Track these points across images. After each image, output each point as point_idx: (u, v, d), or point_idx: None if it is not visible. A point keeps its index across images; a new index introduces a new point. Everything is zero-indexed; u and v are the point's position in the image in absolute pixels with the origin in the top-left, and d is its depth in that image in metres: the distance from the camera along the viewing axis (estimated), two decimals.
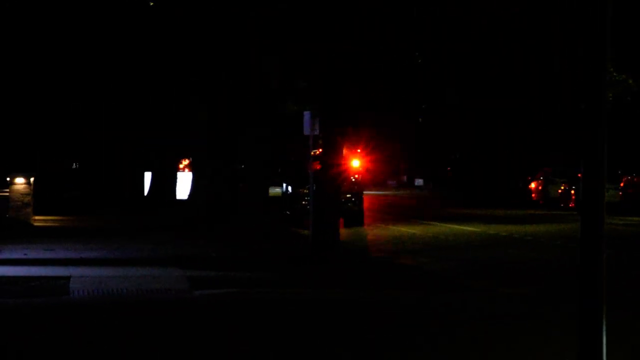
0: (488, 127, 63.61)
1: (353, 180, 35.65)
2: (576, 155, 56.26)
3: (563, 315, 13.62)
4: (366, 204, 37.15)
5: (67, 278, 17.77)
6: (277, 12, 25.97)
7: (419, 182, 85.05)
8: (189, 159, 56.22)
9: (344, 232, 25.51)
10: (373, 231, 31.52)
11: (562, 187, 48.75)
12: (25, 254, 21.55)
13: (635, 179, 48.29)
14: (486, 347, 11.78)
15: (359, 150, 48.32)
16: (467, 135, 68.13)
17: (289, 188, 36.02)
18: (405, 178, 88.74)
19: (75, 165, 60.23)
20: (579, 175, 32.57)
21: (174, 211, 37.46)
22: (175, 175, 44.73)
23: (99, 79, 41.58)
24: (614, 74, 28.47)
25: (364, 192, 37.15)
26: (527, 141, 62.80)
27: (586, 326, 6.87)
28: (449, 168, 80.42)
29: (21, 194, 30.47)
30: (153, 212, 37.80)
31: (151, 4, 32.19)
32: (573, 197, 46.79)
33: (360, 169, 46.22)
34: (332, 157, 23.25)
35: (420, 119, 57.82)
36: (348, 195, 34.46)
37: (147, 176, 46.58)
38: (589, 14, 6.83)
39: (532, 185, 53.78)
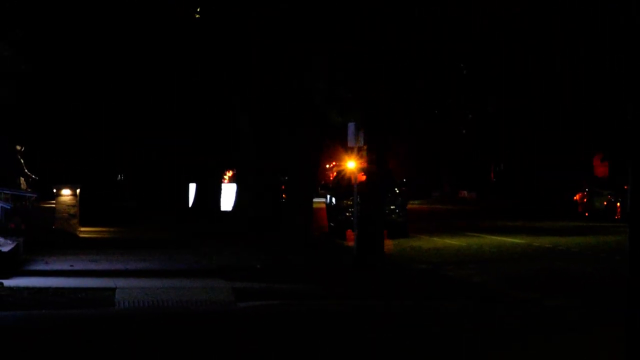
0: (533, 138, 63.24)
1: (397, 191, 35.56)
2: (622, 166, 55.80)
3: (609, 327, 13.50)
4: (410, 215, 37.05)
5: (113, 289, 17.88)
6: (323, 24, 26.06)
7: (463, 193, 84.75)
8: (232, 170, 56.41)
9: (387, 243, 25.47)
10: (417, 242, 31.42)
11: (608, 199, 48.37)
12: (71, 265, 21.71)
13: None
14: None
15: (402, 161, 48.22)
16: (511, 146, 67.79)
17: (333, 199, 36.01)
18: (448, 189, 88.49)
19: (120, 177, 60.65)
20: (625, 187, 32.32)
21: (218, 222, 37.58)
22: (220, 186, 44.85)
23: (146, 92, 41.86)
24: None
25: (408, 204, 37.06)
26: (573, 153, 62.40)
27: (633, 336, 6.82)
28: (493, 179, 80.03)
29: (67, 205, 30.69)
30: (197, 223, 37.94)
31: (197, 16, 32.41)
32: (619, 209, 46.38)
33: (404, 180, 46.13)
34: (376, 169, 23.24)
35: (464, 131, 57.64)
36: (392, 207, 34.38)
37: (192, 187, 46.77)
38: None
39: (577, 197, 53.38)
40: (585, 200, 51.59)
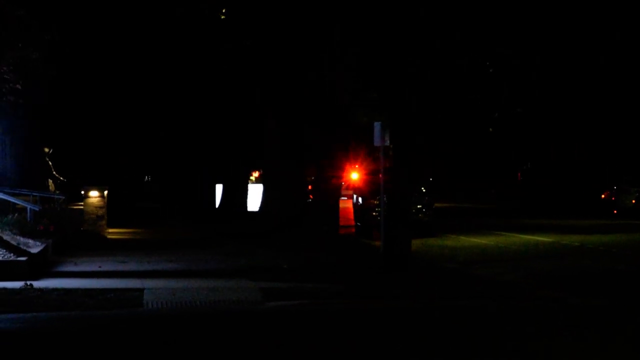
0: (560, 136, 63.00)
1: (424, 190, 35.53)
2: None
3: (636, 327, 13.46)
4: (436, 214, 37.00)
5: (141, 290, 17.97)
6: (352, 25, 26.10)
7: (490, 191, 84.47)
8: (259, 170, 56.52)
9: (414, 242, 25.41)
10: (444, 242, 31.39)
11: (636, 196, 48.16)
12: (99, 267, 21.82)
13: None
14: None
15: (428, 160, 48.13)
16: (538, 144, 67.56)
17: (359, 199, 36.03)
18: (475, 188, 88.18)
19: (148, 178, 60.89)
20: None
21: (245, 223, 37.67)
22: (246, 187, 44.96)
23: (173, 94, 42.03)
24: None
25: (435, 203, 37.03)
26: (601, 149, 62.13)
27: None
28: (520, 178, 79.75)
29: (95, 206, 30.82)
30: (224, 223, 38.03)
31: (222, 17, 32.48)
32: None
33: (430, 179, 46.09)
34: (402, 168, 23.22)
35: (490, 129, 57.47)
36: (419, 206, 34.38)
37: (219, 188, 46.89)
38: None
39: (605, 194, 53.15)
40: (613, 198, 51.37)
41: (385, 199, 23.64)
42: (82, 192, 31.12)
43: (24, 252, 20.69)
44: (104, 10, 34.74)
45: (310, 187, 36.58)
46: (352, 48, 29.50)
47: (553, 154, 67.16)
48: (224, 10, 33.20)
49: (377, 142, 23.78)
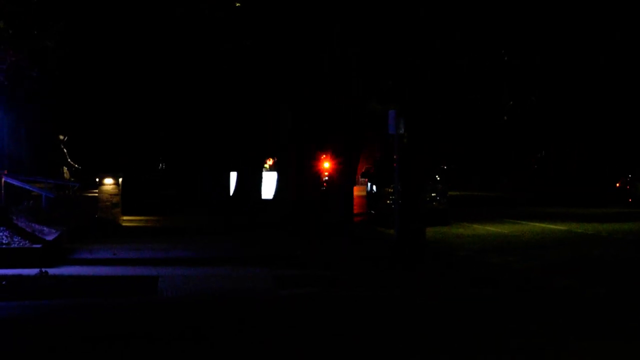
0: (575, 124, 62.84)
1: (438, 178, 35.52)
2: None
3: None
4: (450, 202, 36.98)
5: (156, 278, 18.04)
6: (362, 15, 26.09)
7: (503, 180, 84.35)
8: (273, 158, 56.54)
9: (428, 230, 25.43)
10: (458, 230, 31.38)
11: None
12: (114, 254, 21.90)
13: None
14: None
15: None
16: (552, 132, 67.42)
17: (374, 187, 36.02)
18: (489, 176, 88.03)
19: (162, 165, 61.00)
20: None
21: (259, 211, 37.71)
22: (261, 174, 44.95)
23: (186, 81, 42.06)
24: None
25: (449, 191, 37.00)
26: (615, 138, 61.98)
27: None
28: (534, 166, 79.62)
29: (110, 194, 30.93)
30: (238, 211, 38.09)
31: (237, 4, 32.48)
32: None
33: (444, 167, 46.02)
34: (416, 156, 23.23)
35: (505, 117, 57.36)
36: (433, 194, 34.37)
37: (233, 176, 46.93)
38: None
39: (619, 183, 53.01)
40: (628, 186, 51.24)
41: (399, 187, 23.64)
42: (97, 180, 31.22)
43: (39, 240, 20.79)
44: (111, 5, 34.78)
45: (323, 174, 36.59)
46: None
47: (566, 143, 67.01)
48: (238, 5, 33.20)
49: (391, 130, 23.77)
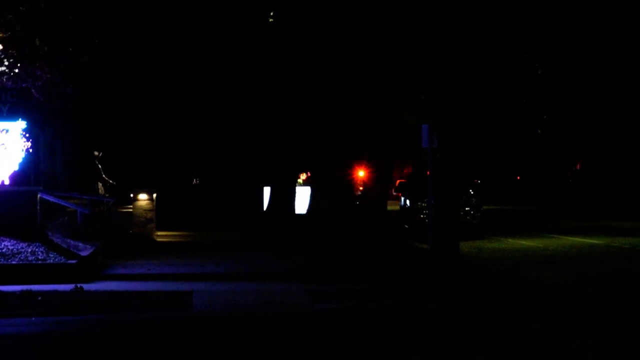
0: (609, 137, 62.43)
1: (471, 192, 35.39)
2: None
3: None
4: (484, 216, 36.82)
5: (190, 293, 18.05)
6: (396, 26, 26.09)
7: (538, 194, 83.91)
8: (306, 172, 56.59)
9: (462, 245, 25.32)
10: (492, 244, 31.22)
11: None
12: (148, 269, 21.95)
13: None
14: None
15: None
16: (587, 146, 66.99)
17: (407, 202, 35.93)
18: (522, 189, 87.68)
19: (196, 180, 61.20)
20: None
21: (293, 225, 37.73)
22: (294, 189, 45.03)
23: (221, 97, 42.23)
24: None
25: (483, 205, 36.84)
26: None
27: None
28: (570, 180, 79.18)
29: (144, 209, 31.04)
30: (273, 226, 38.11)
31: (270, 20, 32.64)
32: None
33: (477, 180, 45.88)
34: (450, 170, 23.16)
35: (539, 131, 57.10)
36: (467, 208, 34.24)
37: (267, 191, 47.02)
38: None
39: None
40: None
41: (432, 201, 23.58)
42: (131, 195, 31.34)
43: (74, 255, 20.88)
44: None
45: (357, 188, 36.57)
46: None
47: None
48: (271, 13, 33.36)
49: (425, 144, 23.74)
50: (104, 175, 35.64)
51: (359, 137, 31.94)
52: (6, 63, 22.77)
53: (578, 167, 71.37)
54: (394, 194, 49.09)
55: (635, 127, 58.01)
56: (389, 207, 33.33)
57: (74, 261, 20.16)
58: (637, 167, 62.44)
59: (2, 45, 22.66)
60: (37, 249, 20.64)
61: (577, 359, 11.98)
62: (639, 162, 62.24)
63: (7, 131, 21.92)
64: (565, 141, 66.93)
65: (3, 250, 20.35)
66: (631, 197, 58.40)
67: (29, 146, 21.97)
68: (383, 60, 29.38)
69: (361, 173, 35.19)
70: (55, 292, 17.67)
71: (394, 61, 28.28)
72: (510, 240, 33.12)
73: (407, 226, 35.05)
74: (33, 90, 22.76)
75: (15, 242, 20.98)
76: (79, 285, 18.43)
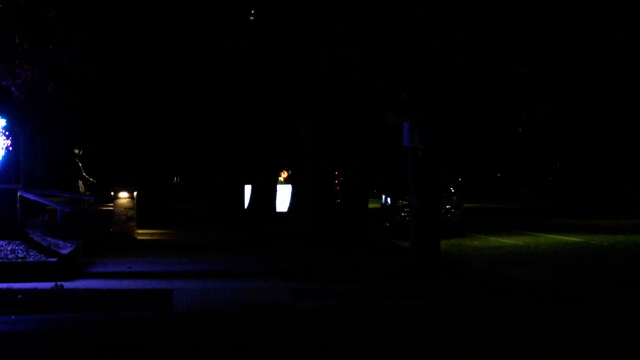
0: (589, 136, 62.65)
1: (452, 191, 35.48)
2: None
3: None
4: (465, 214, 36.91)
5: (171, 291, 18.04)
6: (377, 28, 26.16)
7: (520, 192, 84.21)
8: (287, 171, 56.57)
9: (443, 243, 25.38)
10: (473, 242, 31.31)
11: None
12: (129, 267, 21.93)
13: None
14: None
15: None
16: (567, 144, 67.23)
17: (388, 200, 36.00)
18: (503, 188, 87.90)
19: (177, 179, 61.12)
20: None
21: (274, 224, 37.73)
22: (275, 188, 45.02)
23: (199, 95, 42.16)
24: None
25: (464, 203, 36.94)
26: (632, 148, 61.74)
27: None
28: (550, 178, 79.45)
29: (125, 207, 30.98)
30: (253, 224, 38.12)
31: (251, 18, 32.64)
32: None
33: (459, 179, 45.99)
34: (431, 168, 23.21)
35: (520, 129, 57.25)
36: (448, 206, 34.33)
37: (247, 189, 46.99)
38: None
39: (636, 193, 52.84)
40: None
41: (414, 199, 23.62)
42: (112, 193, 31.27)
43: (55, 253, 20.83)
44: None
45: (338, 187, 36.58)
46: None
47: (582, 154, 66.82)
48: (252, 12, 33.37)
49: (406, 142, 23.77)
50: (84, 174, 35.57)
51: (340, 135, 31.98)
52: None
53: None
54: (375, 191, 49.19)
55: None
56: (370, 205, 33.33)
57: (54, 259, 20.11)
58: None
59: None
60: (17, 247, 20.58)
61: (562, 357, 12.03)
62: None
63: None
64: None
65: None
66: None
67: (9, 144, 21.90)
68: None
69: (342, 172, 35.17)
70: (35, 290, 17.63)
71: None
72: (491, 238, 33.22)
73: (388, 224, 35.12)
74: (13, 89, 22.70)
75: None
76: (59, 283, 18.40)
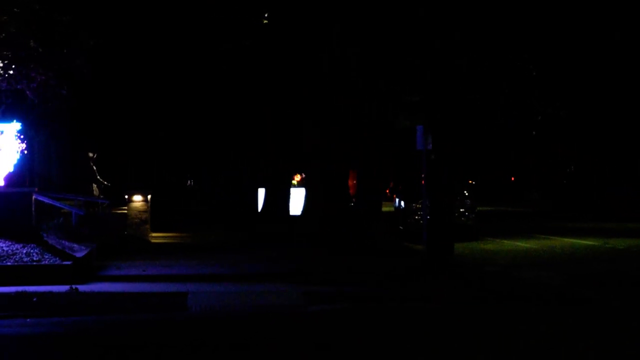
0: (608, 138, 62.47)
1: (466, 194, 35.44)
2: None
3: None
4: (479, 217, 36.85)
5: (185, 294, 18.08)
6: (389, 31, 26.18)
7: (534, 195, 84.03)
8: (301, 174, 56.60)
9: (457, 246, 25.35)
10: (487, 245, 31.27)
11: None
12: (143, 270, 21.98)
13: None
14: None
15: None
16: (586, 146, 67.05)
17: (402, 203, 35.99)
18: (517, 191, 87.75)
19: (190, 182, 61.19)
20: None
21: (287, 227, 37.74)
22: (289, 191, 45.02)
23: (213, 98, 42.23)
24: None
25: (478, 207, 36.89)
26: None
27: None
28: (564, 181, 79.28)
29: (139, 211, 31.05)
30: (267, 227, 38.13)
31: (265, 22, 32.71)
32: None
33: (472, 182, 45.91)
34: (444, 172, 23.20)
35: (534, 132, 57.15)
36: (461, 210, 34.30)
37: (261, 192, 47.03)
38: None
39: None
40: None
41: (427, 202, 23.62)
42: (126, 197, 31.35)
43: (69, 256, 20.89)
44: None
45: (352, 190, 36.59)
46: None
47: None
48: (265, 15, 33.45)
49: (419, 145, 23.78)
50: (98, 177, 35.65)
51: (358, 137, 32.01)
52: (0, 64, 22.79)
53: (572, 168, 71.38)
54: (389, 194, 49.19)
55: (634, 128, 58.06)
56: (384, 209, 33.35)
57: (69, 262, 20.18)
58: (637, 167, 62.51)
59: None
60: (32, 250, 20.65)
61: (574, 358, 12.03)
62: (638, 163, 62.32)
63: (2, 132, 21.94)
64: (564, 141, 66.97)
65: None
66: (630, 197, 58.40)
67: (23, 148, 21.99)
68: (382, 60, 29.45)
69: (355, 176, 35.21)
70: (50, 293, 17.69)
71: (393, 61, 28.35)
72: (505, 241, 33.17)
73: (401, 227, 35.10)
74: (28, 92, 22.80)
75: (10, 243, 20.99)
76: (74, 286, 18.46)
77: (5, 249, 20.63)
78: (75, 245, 23.11)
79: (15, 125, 22.04)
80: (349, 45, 30.63)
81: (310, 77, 33.63)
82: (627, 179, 62.59)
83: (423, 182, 24.18)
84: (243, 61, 37.54)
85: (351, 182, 36.84)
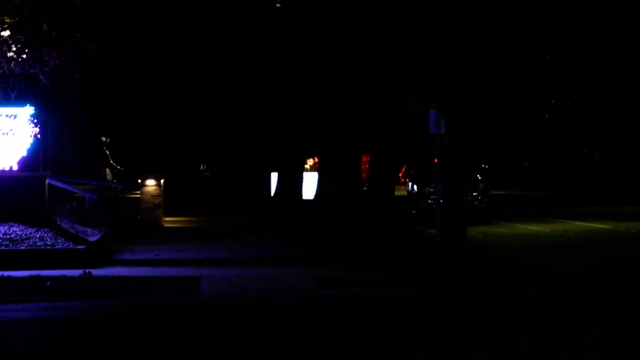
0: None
1: (479, 178, 35.40)
2: None
3: None
4: (491, 201, 36.80)
5: (198, 278, 18.12)
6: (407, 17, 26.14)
7: (546, 179, 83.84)
8: (314, 158, 56.58)
9: (470, 230, 25.33)
10: (499, 229, 31.23)
11: None
12: (156, 255, 22.03)
13: None
14: None
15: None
16: (595, 131, 66.86)
17: (415, 187, 35.96)
18: (530, 175, 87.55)
19: (203, 167, 61.27)
20: None
21: (300, 211, 37.76)
22: (301, 175, 45.02)
23: (226, 85, 42.27)
24: None
25: (490, 191, 36.83)
26: None
27: None
28: (578, 165, 79.08)
29: (152, 195, 31.10)
30: (280, 212, 38.17)
31: (277, 5, 32.70)
32: None
33: (485, 166, 45.87)
34: (457, 156, 23.17)
35: (547, 116, 57.00)
36: (474, 194, 34.26)
37: (274, 177, 47.05)
38: None
39: None
40: None
41: (440, 186, 23.60)
42: (139, 181, 31.40)
43: (83, 241, 20.96)
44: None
45: (364, 175, 36.54)
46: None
47: (610, 141, 66.43)
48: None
49: (432, 129, 23.73)
50: (111, 161, 35.74)
51: (364, 122, 32.00)
52: (14, 49, 22.82)
53: (585, 152, 71.17)
54: (402, 179, 49.15)
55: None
56: (397, 193, 33.29)
57: (82, 246, 20.24)
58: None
59: (10, 30, 22.71)
60: (45, 235, 20.72)
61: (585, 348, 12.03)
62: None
63: (15, 117, 21.96)
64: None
65: (12, 236, 20.43)
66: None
67: (37, 132, 22.00)
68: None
69: (368, 160, 35.15)
70: (64, 277, 17.76)
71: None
72: (518, 225, 33.13)
73: (414, 211, 35.09)
74: (41, 76, 22.81)
75: (23, 227, 21.06)
76: (87, 270, 18.52)
77: (19, 233, 20.70)
78: (88, 230, 23.18)
79: (29, 110, 22.06)
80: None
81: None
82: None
83: (435, 165, 24.14)
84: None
85: (364, 167, 36.75)
